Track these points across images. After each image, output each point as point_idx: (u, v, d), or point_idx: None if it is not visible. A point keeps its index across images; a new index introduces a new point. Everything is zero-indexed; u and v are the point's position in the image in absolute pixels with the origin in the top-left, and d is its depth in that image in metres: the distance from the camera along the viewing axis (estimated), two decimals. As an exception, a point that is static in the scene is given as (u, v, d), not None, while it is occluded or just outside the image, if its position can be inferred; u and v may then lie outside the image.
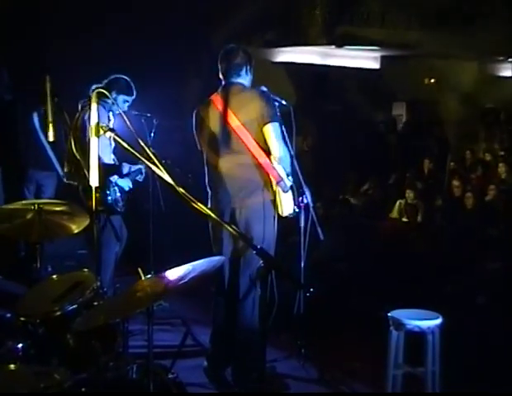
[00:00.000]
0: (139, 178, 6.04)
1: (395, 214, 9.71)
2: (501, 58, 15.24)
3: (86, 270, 4.26)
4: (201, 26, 11.17)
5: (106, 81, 5.82)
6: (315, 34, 13.85)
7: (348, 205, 9.52)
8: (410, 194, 9.71)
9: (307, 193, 5.27)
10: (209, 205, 4.97)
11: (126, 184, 5.85)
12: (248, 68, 5.05)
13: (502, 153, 12.55)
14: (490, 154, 12.52)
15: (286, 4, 13.51)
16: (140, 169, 5.98)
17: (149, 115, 6.57)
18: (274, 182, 4.86)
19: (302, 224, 5.46)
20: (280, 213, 4.94)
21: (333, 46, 14.26)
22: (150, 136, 6.60)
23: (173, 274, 3.47)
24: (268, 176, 4.87)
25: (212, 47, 5.21)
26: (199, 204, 3.38)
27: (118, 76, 5.90)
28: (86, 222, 4.44)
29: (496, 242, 7.48)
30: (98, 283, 4.04)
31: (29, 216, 4.39)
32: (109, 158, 5.66)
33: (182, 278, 3.40)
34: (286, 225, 5.25)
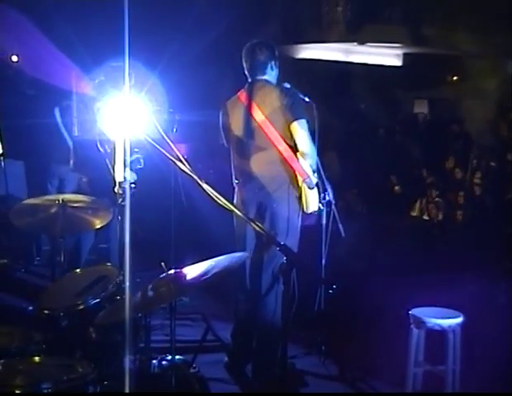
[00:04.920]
0: (139, 167, 6.00)
1: (416, 212, 9.69)
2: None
3: (109, 264, 4.30)
4: (227, 20, 11.21)
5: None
6: (337, 31, 13.83)
7: (370, 202, 9.51)
8: (431, 192, 9.69)
9: (329, 190, 5.26)
10: (234, 201, 4.99)
11: (132, 176, 5.84)
12: (273, 63, 5.04)
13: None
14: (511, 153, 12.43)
15: (309, 2, 13.50)
16: (138, 159, 5.95)
17: (171, 110, 6.58)
18: (300, 179, 4.87)
19: (324, 221, 5.46)
20: (305, 209, 4.95)
21: (355, 43, 14.23)
22: (172, 131, 6.61)
23: (195, 269, 3.49)
24: (294, 172, 4.88)
25: (237, 42, 5.21)
26: (223, 199, 3.39)
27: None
28: (109, 216, 4.48)
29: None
30: (121, 277, 4.07)
31: (52, 210, 4.43)
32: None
33: (204, 274, 3.41)
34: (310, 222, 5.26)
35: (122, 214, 4.35)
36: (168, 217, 6.67)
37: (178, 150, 3.59)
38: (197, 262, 3.64)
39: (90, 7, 9.00)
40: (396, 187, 10.62)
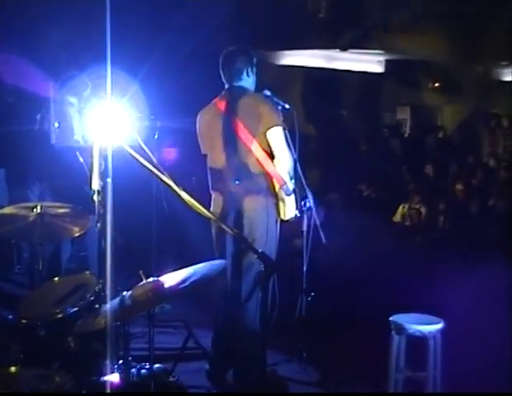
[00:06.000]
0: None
1: (398, 218, 9.71)
2: (505, 63, 15.22)
3: (88, 272, 4.27)
4: (209, 27, 11.19)
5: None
6: (319, 37, 13.86)
7: (352, 208, 9.52)
8: (413, 198, 9.71)
9: (310, 197, 5.27)
10: (212, 208, 4.98)
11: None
12: (250, 69, 5.04)
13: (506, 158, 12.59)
14: (493, 159, 12.52)
15: (290, 8, 13.51)
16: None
17: (152, 117, 6.55)
18: (277, 186, 4.87)
19: (305, 228, 5.47)
20: (282, 216, 4.95)
21: (337, 50, 14.28)
22: (154, 138, 6.58)
23: (174, 278, 3.47)
24: (271, 179, 4.87)
25: (219, 48, 5.21)
26: (201, 207, 3.38)
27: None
28: (88, 224, 4.45)
29: (499, 246, 7.46)
30: (100, 286, 4.05)
31: (31, 218, 4.40)
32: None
33: (183, 282, 3.40)
34: (289, 229, 5.25)
35: (101, 222, 4.32)
36: (150, 223, 6.65)
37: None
38: (178, 269, 3.63)
39: (70, 15, 8.96)
40: (377, 193, 10.63)
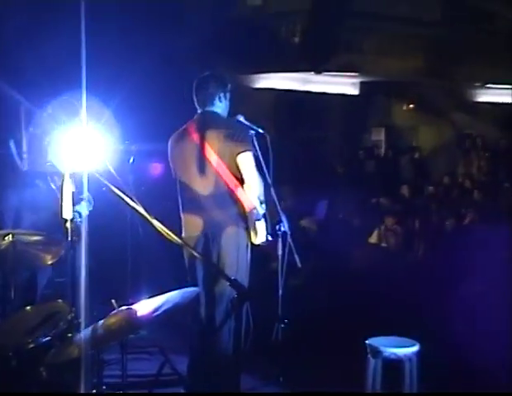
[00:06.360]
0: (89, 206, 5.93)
1: (374, 239, 9.71)
2: (478, 84, 15.39)
3: (60, 300, 4.22)
4: (184, 51, 11.22)
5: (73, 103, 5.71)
6: (294, 60, 13.93)
7: (328, 231, 9.52)
8: (389, 219, 9.72)
9: (284, 221, 5.27)
10: (183, 234, 4.96)
11: (84, 211, 5.75)
12: (223, 95, 5.06)
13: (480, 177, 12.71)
14: (468, 179, 12.62)
15: (266, 31, 13.60)
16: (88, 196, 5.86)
17: (127, 141, 6.53)
18: (247, 211, 4.87)
19: (280, 252, 5.46)
20: (253, 241, 4.94)
21: (312, 72, 14.35)
22: (129, 162, 6.54)
23: (146, 306, 3.44)
24: (242, 204, 4.87)
25: (195, 72, 5.22)
26: (172, 235, 3.35)
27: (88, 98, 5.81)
28: (61, 252, 4.41)
29: (475, 267, 7.48)
30: (73, 314, 4.00)
31: (3, 247, 4.36)
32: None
33: (155, 310, 3.37)
34: (264, 253, 5.25)
35: (74, 250, 4.28)
36: (125, 249, 6.61)
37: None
38: (153, 296, 3.60)
39: (43, 41, 8.94)
40: (352, 214, 10.65)
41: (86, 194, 5.67)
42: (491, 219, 9.16)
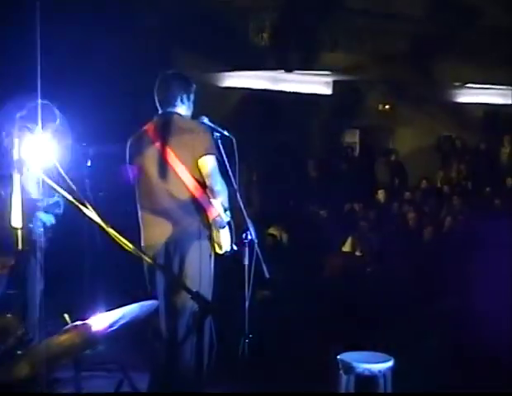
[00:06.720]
0: (58, 211, 5.89)
1: (347, 247, 9.72)
2: (458, 84, 15.50)
3: (9, 315, 4.16)
4: (147, 49, 11.17)
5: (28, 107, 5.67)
6: (263, 58, 13.92)
7: (299, 239, 9.51)
8: (363, 226, 9.74)
9: (251, 229, 5.24)
10: (142, 243, 4.92)
11: (48, 219, 5.72)
12: (185, 96, 5.03)
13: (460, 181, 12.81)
14: (446, 184, 12.70)
15: (234, 28, 13.58)
16: (58, 202, 5.84)
17: (84, 144, 6.47)
18: (211, 218, 4.84)
19: (247, 262, 5.42)
20: (217, 250, 4.91)
21: (282, 71, 14.35)
22: (86, 167, 6.48)
23: (102, 320, 3.40)
24: (205, 211, 4.84)
25: (158, 71, 5.19)
26: (130, 245, 3.32)
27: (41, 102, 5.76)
28: (10, 262, 4.36)
29: (452, 277, 7.53)
30: (23, 329, 3.95)
31: None
32: (37, 193, 5.53)
33: (112, 325, 3.33)
34: (229, 264, 5.22)
35: (25, 260, 4.24)
36: (82, 259, 6.55)
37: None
38: (110, 309, 3.56)
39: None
40: (326, 221, 10.65)
41: (56, 198, 5.65)
42: (471, 225, 9.23)
